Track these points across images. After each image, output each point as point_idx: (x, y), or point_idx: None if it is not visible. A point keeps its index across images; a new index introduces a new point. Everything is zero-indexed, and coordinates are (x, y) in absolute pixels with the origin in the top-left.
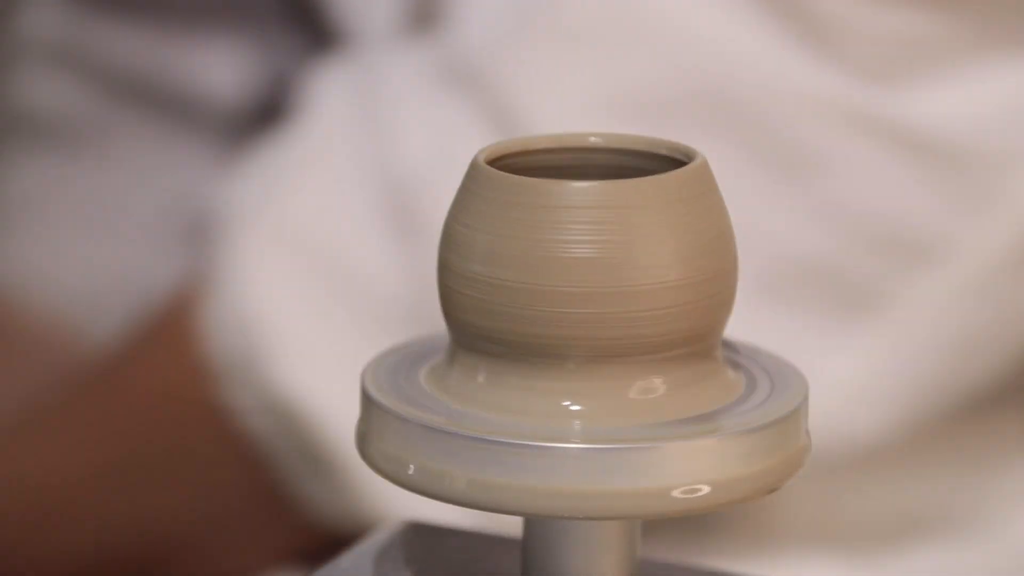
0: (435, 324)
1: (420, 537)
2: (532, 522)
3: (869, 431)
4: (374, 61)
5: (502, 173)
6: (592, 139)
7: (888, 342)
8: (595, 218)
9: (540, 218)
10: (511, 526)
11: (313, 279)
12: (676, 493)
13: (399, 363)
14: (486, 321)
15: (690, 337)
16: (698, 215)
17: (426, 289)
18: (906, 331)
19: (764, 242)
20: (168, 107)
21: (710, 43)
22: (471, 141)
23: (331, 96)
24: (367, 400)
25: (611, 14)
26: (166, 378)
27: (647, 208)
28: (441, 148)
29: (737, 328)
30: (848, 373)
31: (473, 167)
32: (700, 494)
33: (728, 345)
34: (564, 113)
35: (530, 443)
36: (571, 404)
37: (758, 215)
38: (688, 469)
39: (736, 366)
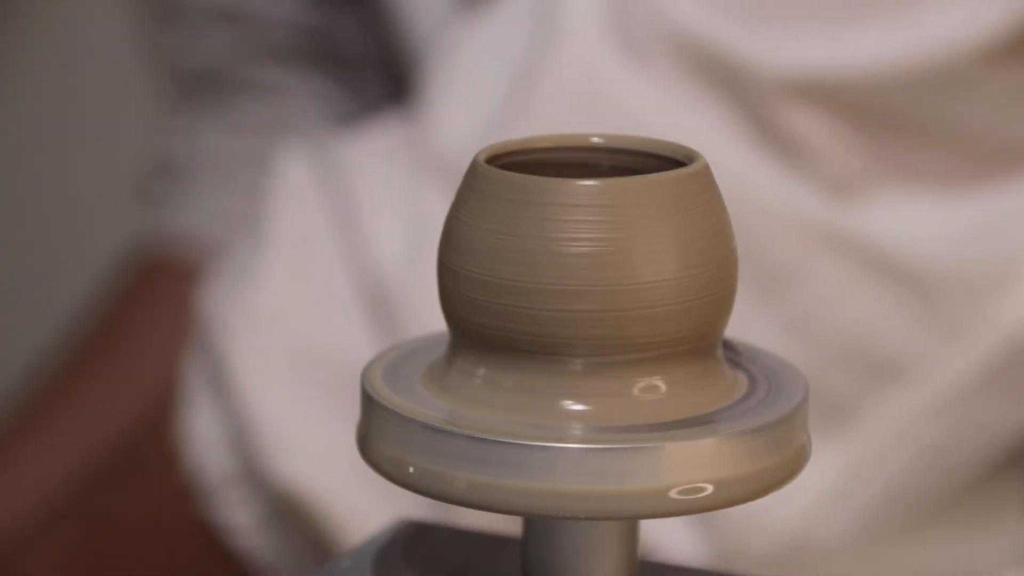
0: None
1: (420, 537)
2: (532, 522)
3: (838, 533)
4: (338, 147)
5: (502, 171)
6: (594, 139)
7: (856, 452)
8: (595, 217)
9: (540, 216)
10: (511, 526)
11: (300, 374)
12: (676, 493)
13: (399, 363)
14: (486, 320)
15: (690, 335)
16: (698, 215)
17: None
18: (873, 443)
19: None
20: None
21: None
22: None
23: (300, 187)
24: (367, 400)
25: (589, 119)
26: (154, 501)
27: (647, 207)
28: (413, 241)
29: None
30: (817, 480)
31: (473, 166)
32: (700, 495)
33: (728, 345)
34: None
35: (530, 443)
36: (572, 404)
37: (730, 326)
38: (688, 469)
39: (736, 366)
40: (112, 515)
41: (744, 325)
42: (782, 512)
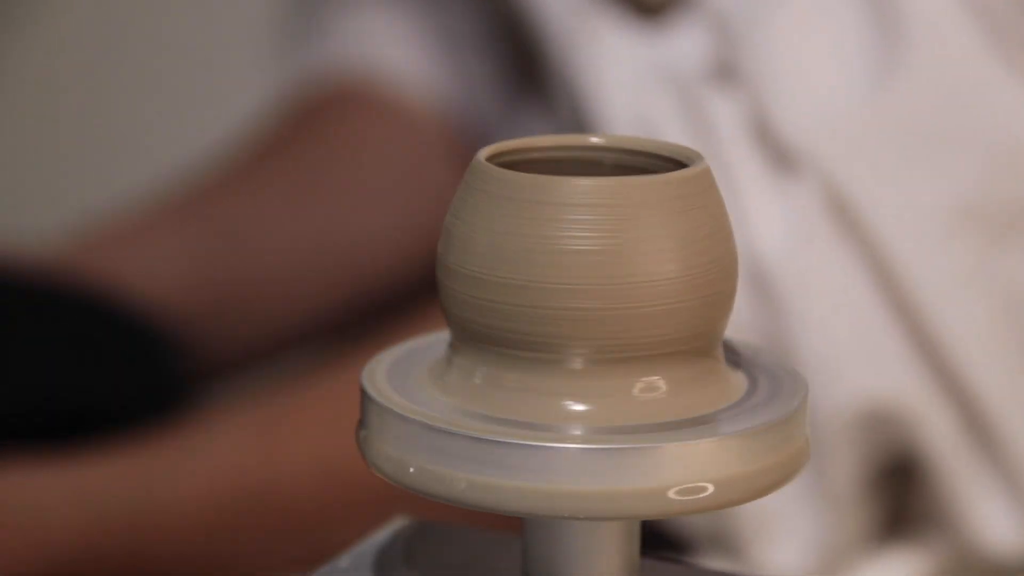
0: None
1: (420, 537)
2: (532, 522)
3: None
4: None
5: (502, 170)
6: (594, 139)
7: None
8: (596, 216)
9: (540, 215)
10: (511, 526)
11: None
12: (676, 494)
13: (399, 363)
14: (486, 319)
15: (689, 336)
16: (698, 216)
17: None
18: None
19: None
20: None
21: None
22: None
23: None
24: (367, 400)
25: (954, 113)
26: None
27: (647, 206)
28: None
29: None
30: None
31: (474, 164)
32: (700, 495)
33: (729, 346)
34: (903, 212)
35: (530, 443)
36: (572, 404)
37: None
38: (688, 470)
39: (737, 367)
40: None
41: None
42: None
